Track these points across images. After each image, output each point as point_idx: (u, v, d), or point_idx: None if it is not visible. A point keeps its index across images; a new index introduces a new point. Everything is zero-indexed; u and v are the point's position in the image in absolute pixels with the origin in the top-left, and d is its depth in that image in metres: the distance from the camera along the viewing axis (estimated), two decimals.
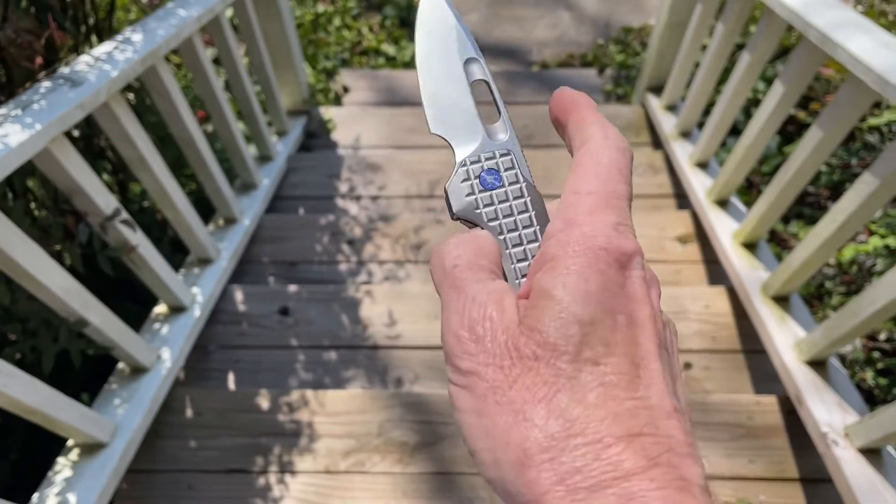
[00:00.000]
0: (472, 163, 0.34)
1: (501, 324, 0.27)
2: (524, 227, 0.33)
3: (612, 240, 0.27)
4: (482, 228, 0.34)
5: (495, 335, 0.27)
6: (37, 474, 1.44)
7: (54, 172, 1.24)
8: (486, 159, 0.34)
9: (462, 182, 0.34)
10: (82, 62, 1.32)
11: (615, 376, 0.25)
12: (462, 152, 0.35)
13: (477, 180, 0.34)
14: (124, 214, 1.41)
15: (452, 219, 0.34)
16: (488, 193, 0.34)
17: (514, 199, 0.33)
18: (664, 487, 0.22)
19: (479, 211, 0.34)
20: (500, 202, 0.33)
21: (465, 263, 0.31)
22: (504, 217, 0.33)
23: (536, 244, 0.32)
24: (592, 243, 0.27)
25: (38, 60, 1.49)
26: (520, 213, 0.33)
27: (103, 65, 1.32)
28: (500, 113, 0.35)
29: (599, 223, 0.28)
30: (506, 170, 0.34)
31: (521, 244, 0.33)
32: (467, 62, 0.36)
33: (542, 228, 0.33)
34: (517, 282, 0.32)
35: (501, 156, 0.34)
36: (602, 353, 0.25)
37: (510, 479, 0.24)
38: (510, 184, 0.34)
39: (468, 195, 0.34)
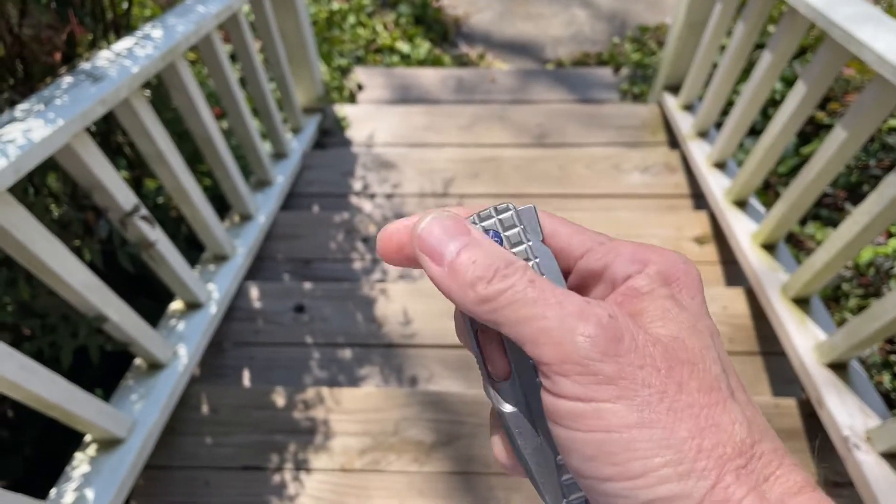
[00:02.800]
0: (482, 219, 0.30)
1: (634, 323, 0.25)
2: None
3: (690, 266, 0.29)
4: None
5: (635, 333, 0.24)
6: (50, 469, 1.45)
7: (75, 168, 1.25)
8: (483, 219, 0.30)
9: None
10: (103, 58, 1.32)
11: (742, 392, 0.26)
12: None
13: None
14: (143, 210, 1.41)
15: None
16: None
17: (527, 259, 0.29)
18: (821, 498, 0.23)
19: None
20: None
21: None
22: None
23: None
24: (682, 270, 0.29)
25: (58, 56, 1.50)
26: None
27: (124, 60, 1.32)
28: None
29: (668, 254, 0.29)
30: (506, 229, 0.30)
31: None
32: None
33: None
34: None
35: (499, 213, 0.30)
36: (729, 367, 0.26)
37: (700, 492, 0.22)
38: (513, 245, 0.30)
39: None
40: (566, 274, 0.31)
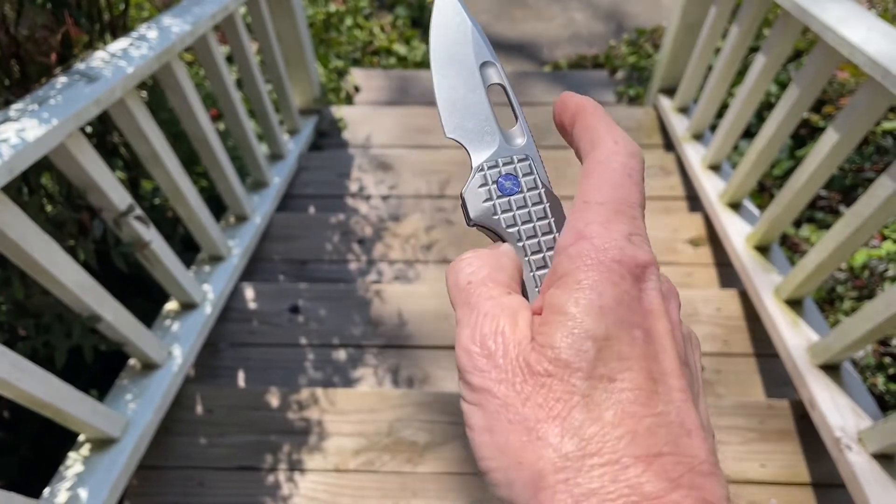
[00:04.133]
0: (489, 168, 0.34)
1: (513, 339, 0.26)
2: (543, 234, 0.32)
3: (626, 251, 0.26)
4: (499, 235, 0.33)
5: (507, 351, 0.26)
6: (46, 469, 1.45)
7: (69, 168, 1.25)
8: (504, 164, 0.33)
9: (479, 187, 0.33)
10: (98, 58, 1.32)
11: (632, 393, 0.24)
12: (479, 157, 0.34)
13: (494, 185, 0.33)
14: (138, 211, 1.41)
15: (469, 225, 0.33)
16: (506, 199, 0.33)
17: (533, 205, 0.33)
18: None
19: (496, 217, 0.33)
20: (518, 208, 0.33)
21: (479, 279, 0.30)
22: (522, 223, 0.32)
23: None
24: (605, 256, 0.26)
25: (53, 56, 1.50)
26: (539, 219, 0.32)
27: (119, 61, 1.32)
28: (517, 117, 0.35)
29: (612, 234, 0.27)
30: (524, 175, 0.33)
31: (540, 251, 0.32)
32: (483, 66, 0.36)
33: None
34: (536, 290, 0.31)
35: (520, 161, 0.33)
36: (618, 368, 0.24)
37: (523, 501, 0.23)
38: (529, 189, 0.33)
39: (486, 201, 0.33)
40: None
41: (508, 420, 0.24)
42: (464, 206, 0.34)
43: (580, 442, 0.23)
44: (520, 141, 0.34)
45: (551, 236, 0.32)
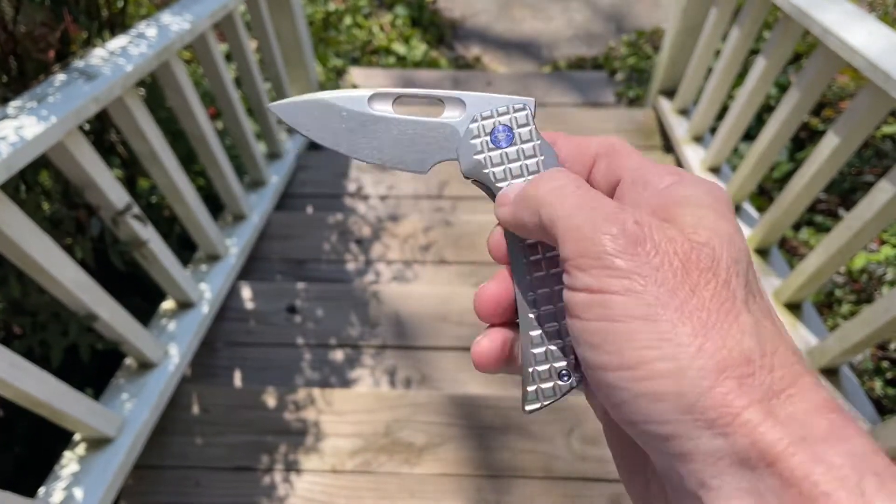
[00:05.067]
0: (483, 118, 0.32)
1: (661, 231, 0.25)
2: None
3: (723, 191, 0.28)
4: (490, 189, 0.32)
5: (659, 240, 0.25)
6: (40, 468, 1.44)
7: (68, 166, 1.24)
8: (500, 114, 0.32)
9: (472, 139, 0.32)
10: (97, 56, 1.32)
11: (767, 307, 0.26)
12: (475, 107, 0.33)
13: (488, 137, 0.32)
14: (136, 209, 1.40)
15: (464, 177, 0.33)
16: (499, 152, 0.32)
17: (527, 157, 0.32)
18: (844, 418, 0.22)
19: (486, 171, 0.32)
20: (510, 161, 0.32)
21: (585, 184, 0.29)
22: (514, 178, 0.32)
23: None
24: (720, 192, 0.28)
25: (51, 53, 1.49)
26: (531, 173, 0.31)
27: (118, 59, 1.32)
28: (443, 98, 0.34)
29: (701, 178, 0.29)
30: (520, 126, 0.32)
31: None
32: (370, 100, 0.34)
33: None
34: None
35: (517, 110, 0.32)
36: (757, 287, 0.26)
37: (695, 391, 0.22)
38: (523, 142, 0.32)
39: (477, 153, 0.32)
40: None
41: (676, 308, 0.23)
42: (458, 157, 0.33)
43: (759, 340, 0.23)
44: (479, 104, 0.33)
45: None
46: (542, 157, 0.31)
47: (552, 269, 0.31)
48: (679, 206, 0.27)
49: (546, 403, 0.31)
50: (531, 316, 0.31)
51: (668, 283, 0.24)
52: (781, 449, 0.21)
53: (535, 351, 0.31)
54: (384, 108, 0.34)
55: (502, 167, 0.32)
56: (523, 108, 0.32)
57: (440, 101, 0.34)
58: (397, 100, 0.34)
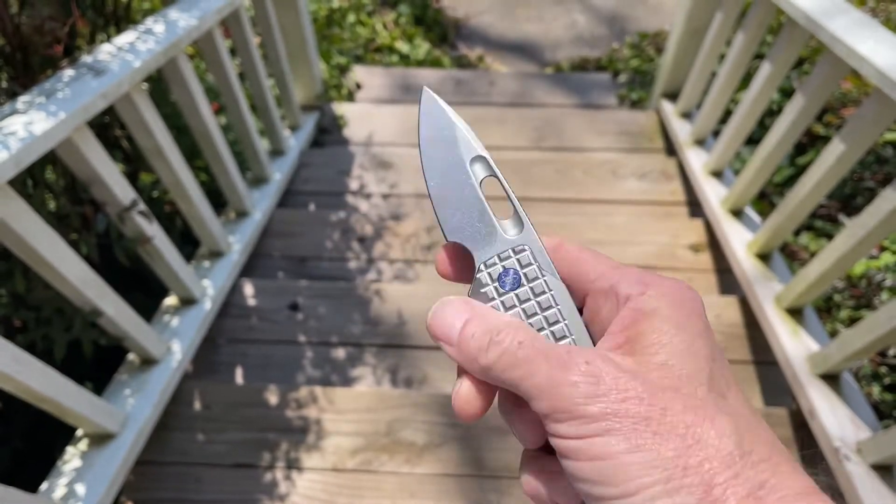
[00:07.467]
0: (488, 266, 0.34)
1: (614, 363, 0.27)
2: (551, 325, 0.33)
3: (688, 291, 0.31)
4: None
5: (617, 374, 0.27)
6: (39, 463, 1.44)
7: (75, 162, 1.24)
8: (503, 259, 0.34)
9: (482, 289, 0.34)
10: (105, 51, 1.31)
11: (739, 403, 0.28)
12: (481, 255, 0.34)
13: (496, 283, 0.34)
14: (141, 205, 1.40)
15: None
16: (509, 295, 0.33)
17: (537, 295, 0.33)
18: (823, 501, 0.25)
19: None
20: (522, 302, 0.33)
21: (529, 337, 0.31)
22: (529, 317, 0.33)
23: (568, 339, 0.32)
24: (684, 296, 0.30)
25: (59, 48, 1.49)
26: (545, 309, 0.33)
27: (126, 55, 1.31)
28: (513, 207, 0.35)
29: (671, 280, 0.31)
30: (524, 266, 0.33)
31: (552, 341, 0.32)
32: (473, 161, 0.35)
33: (569, 323, 0.33)
34: None
35: (517, 253, 0.34)
36: (724, 384, 0.28)
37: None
38: (531, 280, 0.33)
39: (489, 301, 0.34)
40: (583, 295, 0.34)
41: (654, 432, 0.25)
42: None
43: (739, 439, 0.25)
44: (515, 231, 0.34)
45: (560, 325, 0.33)
46: (553, 292, 0.33)
47: None
48: (641, 323, 0.29)
49: None
50: None
51: (639, 412, 0.26)
52: None
53: None
54: (476, 171, 0.35)
55: (515, 309, 0.33)
56: (524, 249, 0.34)
57: (510, 203, 0.35)
58: (486, 178, 0.35)
